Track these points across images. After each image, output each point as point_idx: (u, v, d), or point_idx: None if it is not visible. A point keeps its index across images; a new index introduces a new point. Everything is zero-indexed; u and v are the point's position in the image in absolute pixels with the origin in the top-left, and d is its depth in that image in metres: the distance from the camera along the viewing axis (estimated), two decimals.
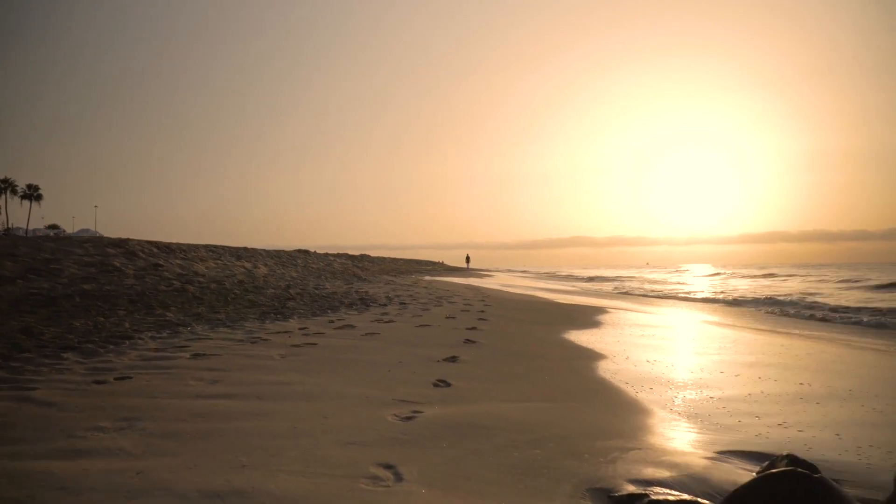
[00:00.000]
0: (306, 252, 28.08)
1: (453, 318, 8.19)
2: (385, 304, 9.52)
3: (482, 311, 9.03)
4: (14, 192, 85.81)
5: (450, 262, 67.85)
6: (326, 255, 29.60)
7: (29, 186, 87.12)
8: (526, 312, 9.43)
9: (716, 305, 14.68)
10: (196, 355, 4.97)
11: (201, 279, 9.76)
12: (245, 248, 20.33)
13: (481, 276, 33.68)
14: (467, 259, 56.28)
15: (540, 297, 14.50)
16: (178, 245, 14.54)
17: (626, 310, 11.74)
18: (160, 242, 13.78)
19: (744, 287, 22.41)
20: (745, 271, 42.62)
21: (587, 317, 9.20)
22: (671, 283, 28.75)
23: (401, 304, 9.83)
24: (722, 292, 19.09)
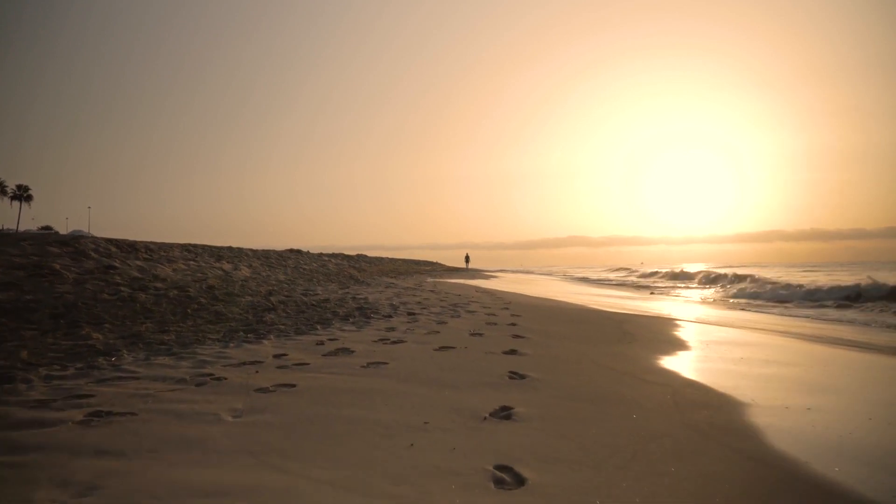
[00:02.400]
0: (298, 252, 26.09)
1: (480, 335, 6.29)
2: (389, 316, 7.61)
3: (513, 325, 7.14)
4: (3, 192, 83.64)
5: (447, 263, 66.07)
6: (321, 255, 27.64)
7: (19, 187, 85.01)
8: (568, 325, 7.54)
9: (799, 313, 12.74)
10: (94, 415, 3.08)
11: (160, 285, 7.83)
12: (230, 248, 18.37)
13: (486, 278, 31.73)
14: (467, 259, 54.22)
15: (571, 304, 12.60)
16: (148, 244, 12.60)
17: (693, 321, 9.87)
18: (124, 241, 11.84)
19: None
20: (773, 270, 40.81)
21: (652, 331, 7.32)
22: (691, 284, 26.90)
23: (409, 314, 7.92)
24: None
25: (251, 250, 19.45)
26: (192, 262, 11.24)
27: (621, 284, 29.01)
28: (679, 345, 6.32)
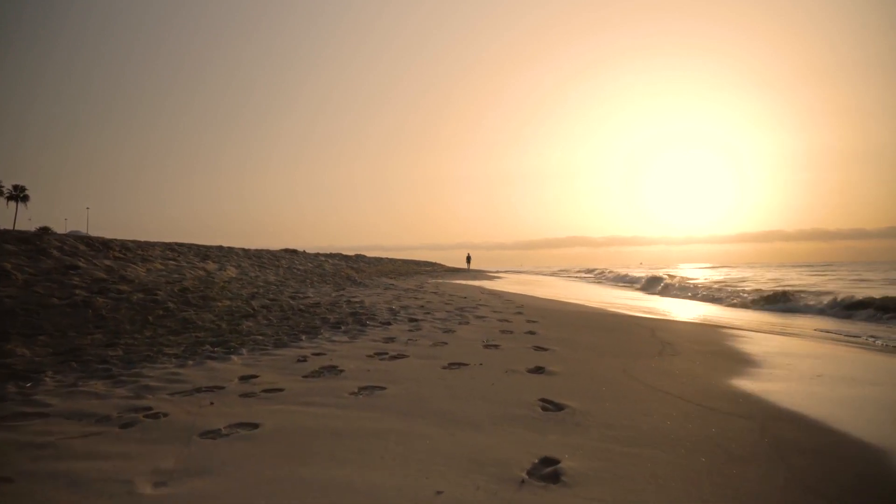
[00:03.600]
0: (294, 252, 25.07)
1: (495, 346, 5.28)
2: (388, 323, 6.60)
3: (532, 334, 6.12)
4: (0, 193, 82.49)
5: (448, 263, 65.11)
6: (317, 255, 26.62)
7: (15, 187, 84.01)
8: (594, 333, 6.53)
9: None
10: None
11: (125, 287, 6.81)
12: (220, 247, 17.35)
13: (491, 279, 30.68)
14: (468, 259, 53.07)
15: (588, 307, 11.59)
16: (126, 242, 11.60)
17: (738, 329, 8.88)
18: (99, 238, 10.83)
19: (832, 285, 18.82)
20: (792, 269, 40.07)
21: (691, 339, 6.30)
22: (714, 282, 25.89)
23: (411, 320, 6.91)
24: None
25: (242, 250, 18.44)
26: (171, 262, 10.23)
27: (616, 278, 28.01)
28: (731, 357, 5.31)
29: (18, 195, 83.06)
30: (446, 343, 5.36)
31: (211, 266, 11.28)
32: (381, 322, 6.57)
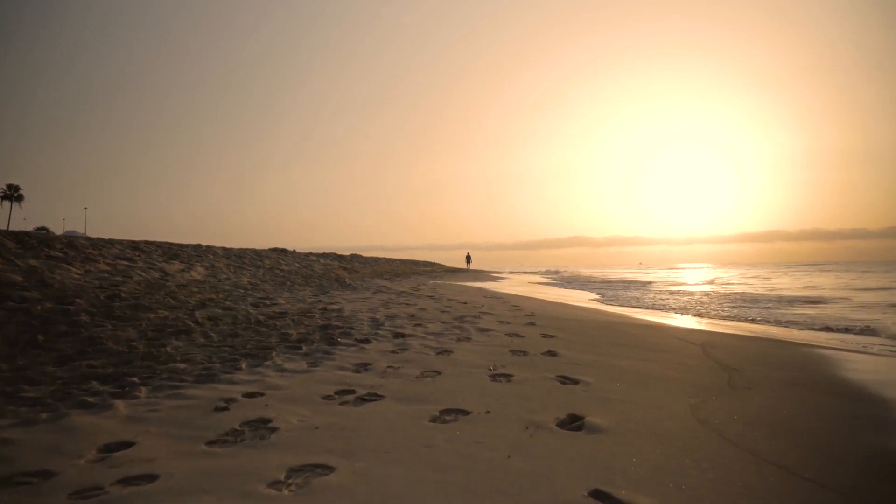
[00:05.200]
0: (283, 251, 23.59)
1: (507, 377, 3.84)
2: (366, 340, 5.14)
3: (553, 355, 4.67)
4: None
5: (448, 263, 63.67)
6: (309, 254, 25.16)
7: (9, 186, 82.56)
8: (631, 353, 5.07)
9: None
10: None
11: (34, 294, 5.39)
12: (197, 246, 15.89)
13: (495, 280, 29.19)
14: (468, 259, 51.41)
15: (614, 316, 10.15)
16: (76, 240, 10.18)
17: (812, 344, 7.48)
18: (43, 234, 9.38)
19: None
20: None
21: (760, 361, 4.85)
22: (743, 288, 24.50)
23: (396, 335, 5.46)
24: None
25: (224, 249, 16.99)
26: (122, 262, 8.78)
27: (626, 283, 26.60)
28: (837, 390, 3.87)
29: (13, 195, 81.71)
30: (439, 373, 3.91)
31: (174, 267, 9.83)
32: (356, 339, 5.12)
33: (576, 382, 3.74)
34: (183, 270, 9.63)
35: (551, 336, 5.71)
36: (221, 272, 10.88)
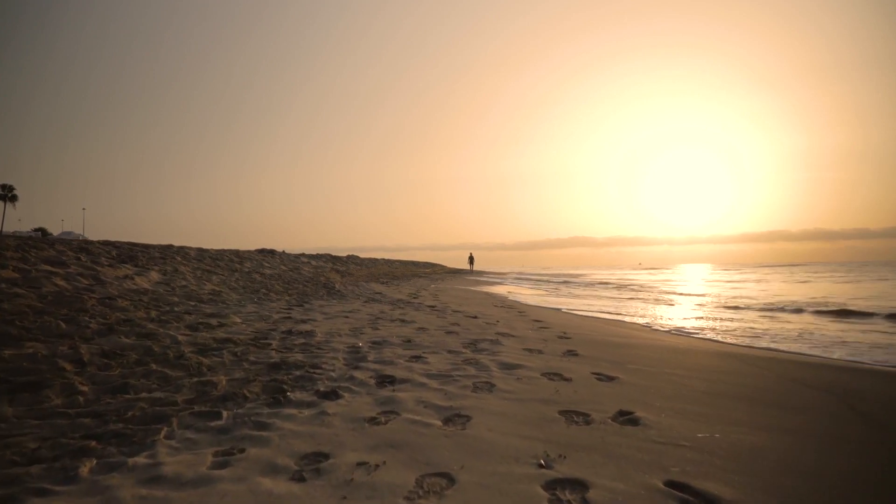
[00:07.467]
0: (271, 252, 21.78)
1: (577, 487, 2.02)
2: (333, 393, 3.31)
3: (630, 417, 2.87)
4: None
5: (449, 264, 61.94)
6: (300, 255, 23.36)
7: (3, 186, 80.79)
8: (748, 409, 3.26)
9: None
10: None
11: None
12: (167, 247, 14.07)
13: (503, 283, 27.31)
14: (471, 260, 49.54)
15: (682, 335, 8.33)
16: (27, 241, 8.42)
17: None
18: None
19: None
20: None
21: None
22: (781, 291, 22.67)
23: (382, 381, 3.65)
24: None
25: (199, 250, 15.16)
26: (45, 267, 6.98)
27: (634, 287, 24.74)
28: None
29: (7, 195, 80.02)
30: (449, 478, 2.10)
31: (118, 272, 8.03)
32: (317, 392, 3.29)
33: (699, 494, 1.93)
34: (127, 277, 7.83)
35: (611, 378, 3.89)
36: (181, 278, 9.07)
